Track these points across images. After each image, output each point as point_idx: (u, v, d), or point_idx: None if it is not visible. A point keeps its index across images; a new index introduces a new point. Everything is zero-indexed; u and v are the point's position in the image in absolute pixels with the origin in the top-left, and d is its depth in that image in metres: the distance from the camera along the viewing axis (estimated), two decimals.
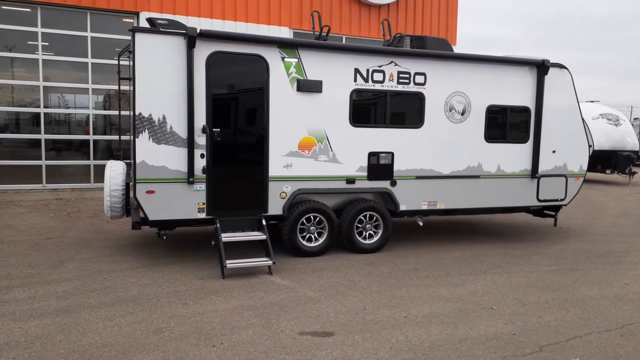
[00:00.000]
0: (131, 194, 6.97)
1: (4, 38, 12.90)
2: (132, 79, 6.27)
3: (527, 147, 8.29)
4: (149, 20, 6.78)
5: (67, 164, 13.83)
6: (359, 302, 5.52)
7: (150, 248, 7.52)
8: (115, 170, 7.03)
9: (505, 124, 8.14)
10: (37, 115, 13.45)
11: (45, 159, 13.53)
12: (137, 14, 13.70)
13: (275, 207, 6.98)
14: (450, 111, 7.77)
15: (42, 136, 13.55)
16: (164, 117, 6.36)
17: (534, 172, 8.31)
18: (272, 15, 15.06)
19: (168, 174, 6.44)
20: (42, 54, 13.15)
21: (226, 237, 6.47)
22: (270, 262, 6.37)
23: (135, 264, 6.75)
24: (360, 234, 7.51)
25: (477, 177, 8.04)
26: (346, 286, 6.03)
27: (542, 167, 8.38)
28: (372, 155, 7.39)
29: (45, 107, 13.39)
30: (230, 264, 6.21)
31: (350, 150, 7.27)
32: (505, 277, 6.60)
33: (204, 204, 6.62)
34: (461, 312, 5.32)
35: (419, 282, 6.26)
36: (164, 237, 6.72)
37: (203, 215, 6.65)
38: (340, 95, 7.15)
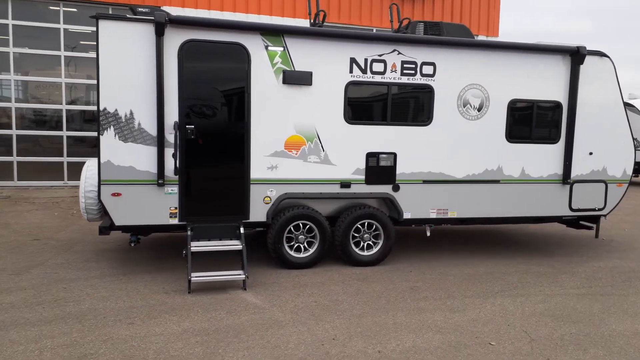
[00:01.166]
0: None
1: (26, 35, 12.89)
2: (96, 71, 5.71)
3: (557, 148, 7.16)
4: (131, 8, 6.24)
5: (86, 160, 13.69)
6: (331, 329, 4.71)
7: (131, 253, 6.99)
8: (91, 169, 6.49)
9: (532, 121, 7.05)
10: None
11: (67, 156, 13.49)
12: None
13: (258, 213, 6.26)
14: (464, 106, 6.78)
15: (64, 133, 13.49)
16: (131, 113, 5.77)
17: (565, 177, 7.18)
18: (297, 6, 14.36)
19: (136, 175, 5.85)
20: (65, 52, 13.08)
21: (196, 246, 5.81)
22: (243, 276, 5.66)
23: (106, 271, 6.22)
24: (357, 244, 6.67)
25: (497, 182, 7.01)
26: (325, 308, 5.22)
27: (576, 171, 7.23)
28: (370, 156, 6.53)
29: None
30: (197, 277, 5.55)
31: (345, 151, 6.45)
32: (519, 301, 5.59)
33: (176, 208, 5.99)
34: (450, 347, 4.41)
35: (412, 306, 5.36)
36: (132, 245, 6.17)
37: (175, 221, 6.02)
38: (333, 89, 6.33)
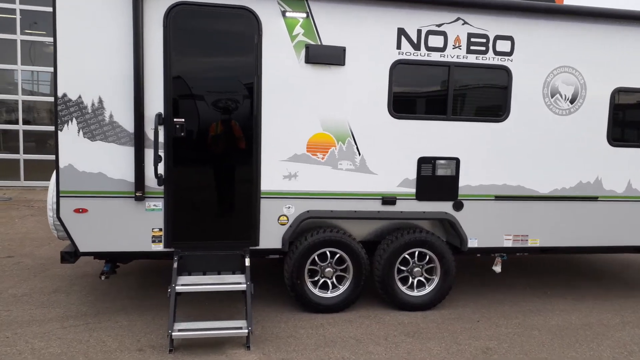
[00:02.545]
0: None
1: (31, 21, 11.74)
2: (53, 45, 4.22)
3: None
4: None
5: None
6: None
7: (113, 282, 5.50)
8: None
9: None
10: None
11: None
12: None
13: (271, 237, 4.66)
14: (552, 97, 5.02)
15: None
16: (100, 101, 4.26)
17: None
18: None
19: (107, 185, 4.34)
20: None
21: (184, 284, 4.25)
22: (245, 332, 4.06)
23: (73, 310, 4.74)
24: (404, 280, 5.00)
25: (594, 199, 5.21)
26: None
27: None
28: (423, 162, 4.84)
29: None
30: (180, 331, 3.99)
31: (389, 155, 4.78)
32: None
33: (160, 230, 4.46)
34: None
35: None
36: (103, 277, 4.68)
37: (160, 247, 4.48)
38: (374, 70, 4.67)
